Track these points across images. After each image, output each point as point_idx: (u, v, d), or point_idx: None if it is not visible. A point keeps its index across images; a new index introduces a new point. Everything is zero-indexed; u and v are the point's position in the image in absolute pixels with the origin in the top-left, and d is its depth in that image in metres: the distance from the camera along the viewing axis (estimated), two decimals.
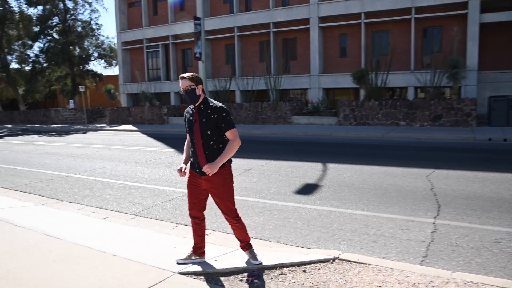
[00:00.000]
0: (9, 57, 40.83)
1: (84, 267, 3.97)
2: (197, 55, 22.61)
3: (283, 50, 26.66)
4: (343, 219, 5.53)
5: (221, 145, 3.72)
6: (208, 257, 4.07)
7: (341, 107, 18.94)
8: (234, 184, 3.83)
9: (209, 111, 3.68)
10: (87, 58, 39.83)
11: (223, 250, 4.39)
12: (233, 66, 28.59)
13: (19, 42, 41.07)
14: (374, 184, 7.38)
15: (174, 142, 15.78)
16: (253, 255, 3.98)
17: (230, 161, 3.79)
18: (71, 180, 9.22)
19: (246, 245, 4.00)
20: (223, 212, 3.86)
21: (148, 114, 26.57)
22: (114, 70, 41.21)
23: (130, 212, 6.46)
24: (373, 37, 23.53)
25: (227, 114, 3.68)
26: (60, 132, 24.73)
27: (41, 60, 38.76)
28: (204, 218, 4.02)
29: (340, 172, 8.52)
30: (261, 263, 3.89)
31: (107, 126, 26.90)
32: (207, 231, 5.25)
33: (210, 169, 3.58)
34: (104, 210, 6.63)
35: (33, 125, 32.48)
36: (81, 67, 39.46)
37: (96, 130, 24.96)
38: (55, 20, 38.33)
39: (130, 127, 24.84)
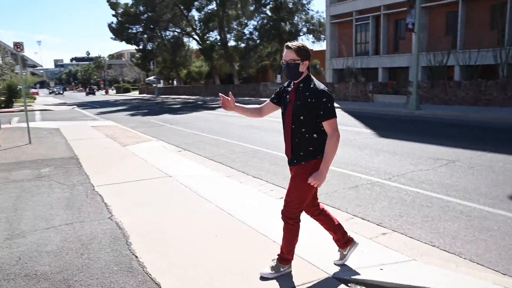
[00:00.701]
0: (228, 36, 46.41)
1: (238, 248, 4.03)
2: (409, 26, 20.87)
3: None
4: None
5: (314, 135, 3.22)
6: (374, 263, 3.61)
7: None
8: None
9: (307, 93, 3.18)
10: (296, 34, 42.04)
11: (395, 258, 3.82)
12: (453, 38, 25.66)
13: (237, 21, 46.03)
14: None
15: (374, 123, 15.13)
16: (273, 274, 3.42)
17: (321, 156, 3.23)
18: (260, 154, 9.76)
19: (280, 259, 3.46)
20: (283, 206, 3.39)
21: (352, 91, 26.31)
22: (322, 45, 42.48)
23: None
24: None
25: (328, 100, 3.12)
26: None
27: (254, 37, 42.84)
28: (320, 213, 3.64)
29: None
30: None
31: None
32: (384, 230, 4.77)
33: (316, 181, 3.17)
34: (282, 189, 6.70)
35: (243, 98, 36.14)
36: None
37: None
38: None
39: None
